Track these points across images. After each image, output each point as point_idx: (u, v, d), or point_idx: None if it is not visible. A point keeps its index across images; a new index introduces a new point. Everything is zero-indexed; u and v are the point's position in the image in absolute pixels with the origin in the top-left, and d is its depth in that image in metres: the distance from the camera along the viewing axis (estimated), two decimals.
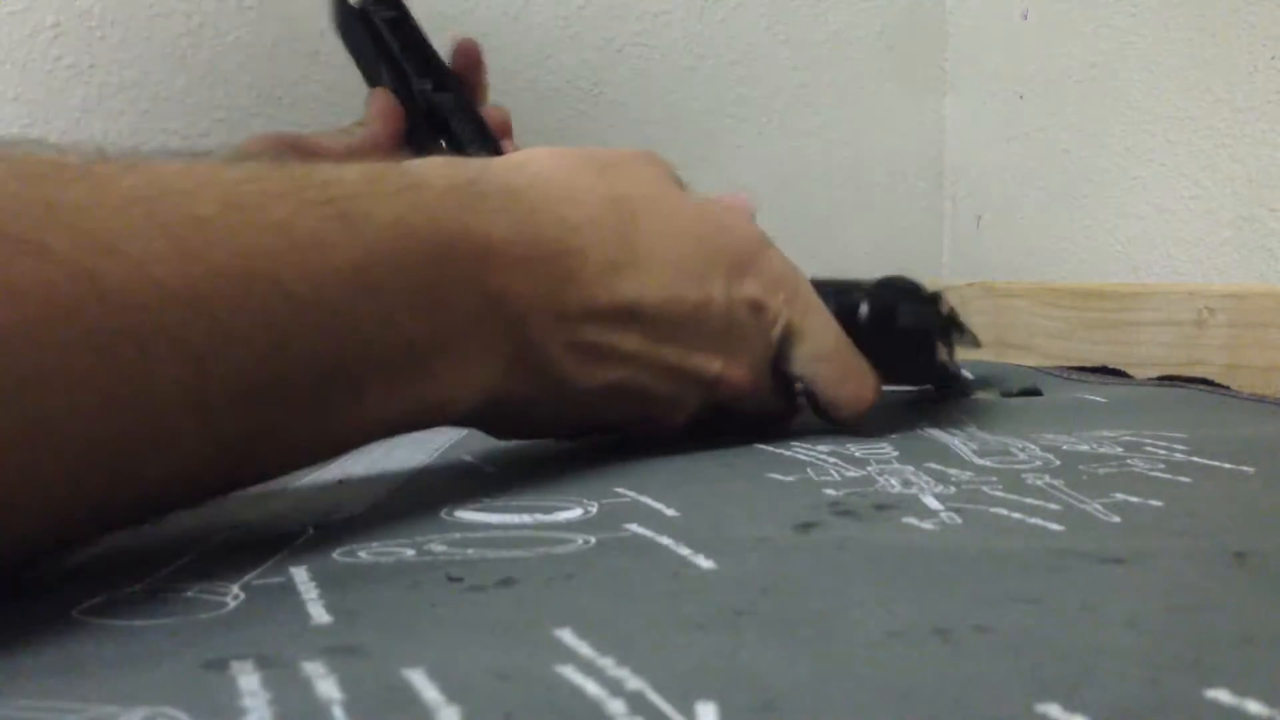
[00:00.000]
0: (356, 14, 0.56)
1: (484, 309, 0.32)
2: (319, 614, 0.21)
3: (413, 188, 0.31)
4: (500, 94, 0.81)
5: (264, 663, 0.18)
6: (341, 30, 0.58)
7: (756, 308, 0.40)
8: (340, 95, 0.75)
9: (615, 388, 0.37)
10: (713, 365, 0.39)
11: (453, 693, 0.17)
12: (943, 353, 0.44)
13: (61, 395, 0.21)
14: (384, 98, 0.54)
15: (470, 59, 0.58)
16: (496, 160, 0.39)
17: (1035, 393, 0.57)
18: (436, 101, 0.54)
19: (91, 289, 0.22)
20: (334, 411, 0.28)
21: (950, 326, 0.46)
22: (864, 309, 0.43)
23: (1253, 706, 0.16)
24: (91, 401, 0.22)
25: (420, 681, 0.17)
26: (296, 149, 0.52)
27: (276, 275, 0.26)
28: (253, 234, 0.26)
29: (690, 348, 0.38)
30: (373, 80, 0.56)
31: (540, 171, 0.37)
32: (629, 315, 0.37)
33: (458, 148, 0.52)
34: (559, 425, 0.40)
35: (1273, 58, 0.70)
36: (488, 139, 0.53)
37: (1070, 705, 0.16)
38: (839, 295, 0.44)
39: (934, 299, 0.44)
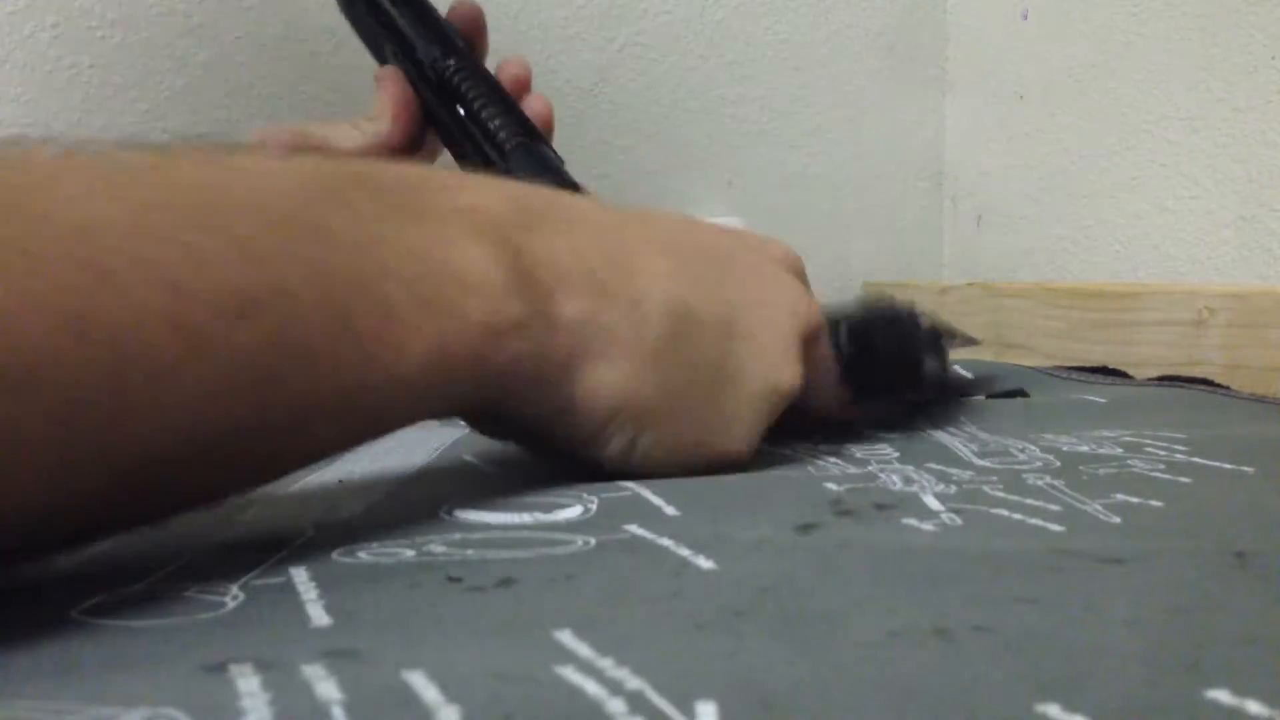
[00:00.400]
0: None
1: (466, 215, 0.31)
2: (318, 615, 0.21)
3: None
4: None
5: (263, 665, 0.18)
6: (345, 8, 0.56)
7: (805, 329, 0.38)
8: (340, 95, 0.75)
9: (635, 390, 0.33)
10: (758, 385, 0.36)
11: (452, 693, 0.17)
12: (931, 368, 0.44)
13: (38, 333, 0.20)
14: (393, 84, 0.52)
15: (472, 23, 0.55)
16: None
17: (1020, 394, 0.57)
18: (447, 70, 0.51)
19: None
20: (350, 335, 0.26)
21: (934, 342, 0.46)
22: (843, 338, 0.42)
23: (1253, 707, 0.16)
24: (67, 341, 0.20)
25: (420, 682, 0.17)
26: (304, 143, 0.50)
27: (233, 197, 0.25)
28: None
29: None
30: (382, 60, 0.54)
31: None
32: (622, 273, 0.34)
33: (474, 117, 0.50)
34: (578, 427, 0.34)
35: (1273, 58, 0.70)
36: (505, 103, 0.51)
37: (1070, 705, 0.16)
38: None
39: (912, 319, 0.43)
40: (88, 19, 0.69)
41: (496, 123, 0.49)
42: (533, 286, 0.31)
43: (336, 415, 0.27)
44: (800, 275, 0.41)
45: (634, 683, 0.17)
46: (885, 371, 0.43)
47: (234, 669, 0.18)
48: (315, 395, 0.26)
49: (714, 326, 0.35)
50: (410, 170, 0.32)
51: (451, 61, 0.51)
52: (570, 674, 0.18)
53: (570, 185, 0.48)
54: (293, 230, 0.26)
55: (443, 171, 0.33)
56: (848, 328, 0.42)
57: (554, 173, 0.49)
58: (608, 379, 0.33)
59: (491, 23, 0.81)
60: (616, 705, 0.16)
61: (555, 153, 0.51)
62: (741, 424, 0.36)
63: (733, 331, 0.35)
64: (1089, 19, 0.84)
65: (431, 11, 0.54)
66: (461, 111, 0.51)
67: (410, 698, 0.17)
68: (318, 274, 0.26)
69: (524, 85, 0.55)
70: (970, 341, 0.57)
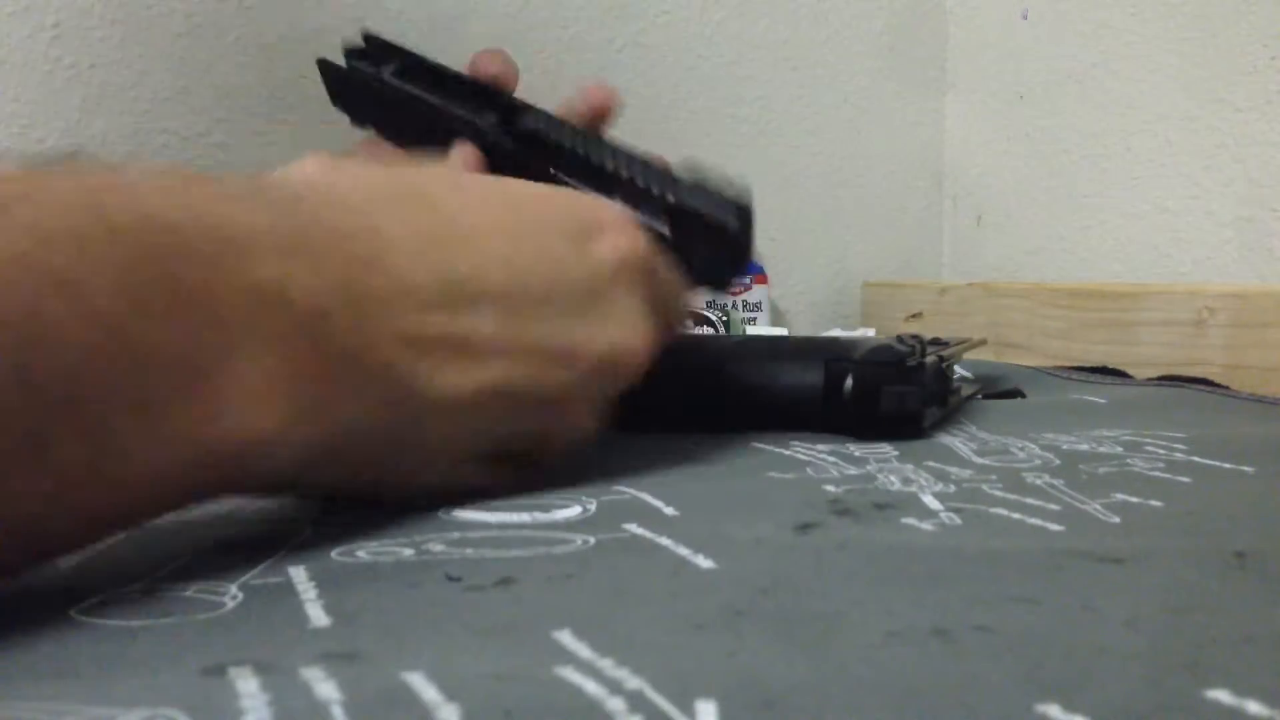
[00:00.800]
0: (359, 78, 0.47)
1: (256, 307, 0.24)
2: (317, 615, 0.21)
3: (112, 172, 0.24)
4: None
5: (262, 666, 0.18)
6: (345, 103, 0.48)
7: (622, 266, 0.34)
8: None
9: (491, 391, 0.30)
10: (600, 339, 0.33)
11: (452, 692, 0.17)
12: (930, 419, 0.44)
13: None
14: (473, 162, 0.42)
15: (504, 76, 0.47)
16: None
17: (1018, 394, 0.57)
18: (524, 130, 0.44)
19: None
20: (31, 471, 0.21)
21: (937, 395, 0.46)
22: (848, 388, 0.43)
23: (1253, 706, 0.16)
24: None
25: (419, 682, 0.17)
26: None
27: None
28: None
29: (566, 322, 0.32)
30: (400, 136, 0.44)
31: (311, 169, 0.32)
32: (473, 296, 0.30)
33: (570, 165, 0.42)
34: (439, 461, 0.31)
35: (1273, 58, 0.70)
36: (594, 139, 0.43)
37: (1070, 705, 0.16)
38: (820, 362, 0.43)
39: (918, 372, 0.43)
40: (88, 19, 0.69)
41: (627, 173, 0.41)
42: (332, 382, 0.26)
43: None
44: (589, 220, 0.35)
45: (634, 682, 0.17)
46: (889, 426, 0.42)
47: (233, 670, 0.18)
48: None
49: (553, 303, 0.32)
50: (200, 221, 0.25)
51: (525, 119, 0.44)
52: (570, 673, 0.18)
53: (734, 204, 0.40)
54: None
55: (267, 210, 0.26)
56: (853, 382, 0.42)
57: (719, 205, 0.40)
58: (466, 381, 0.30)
59: (492, 23, 0.81)
60: (616, 704, 0.16)
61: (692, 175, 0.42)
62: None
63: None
64: (1089, 19, 0.84)
65: (451, 72, 0.46)
66: (555, 173, 0.42)
67: (410, 697, 0.17)
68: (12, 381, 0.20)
69: (604, 115, 0.47)
70: (978, 343, 0.57)
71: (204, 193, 0.25)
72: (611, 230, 0.35)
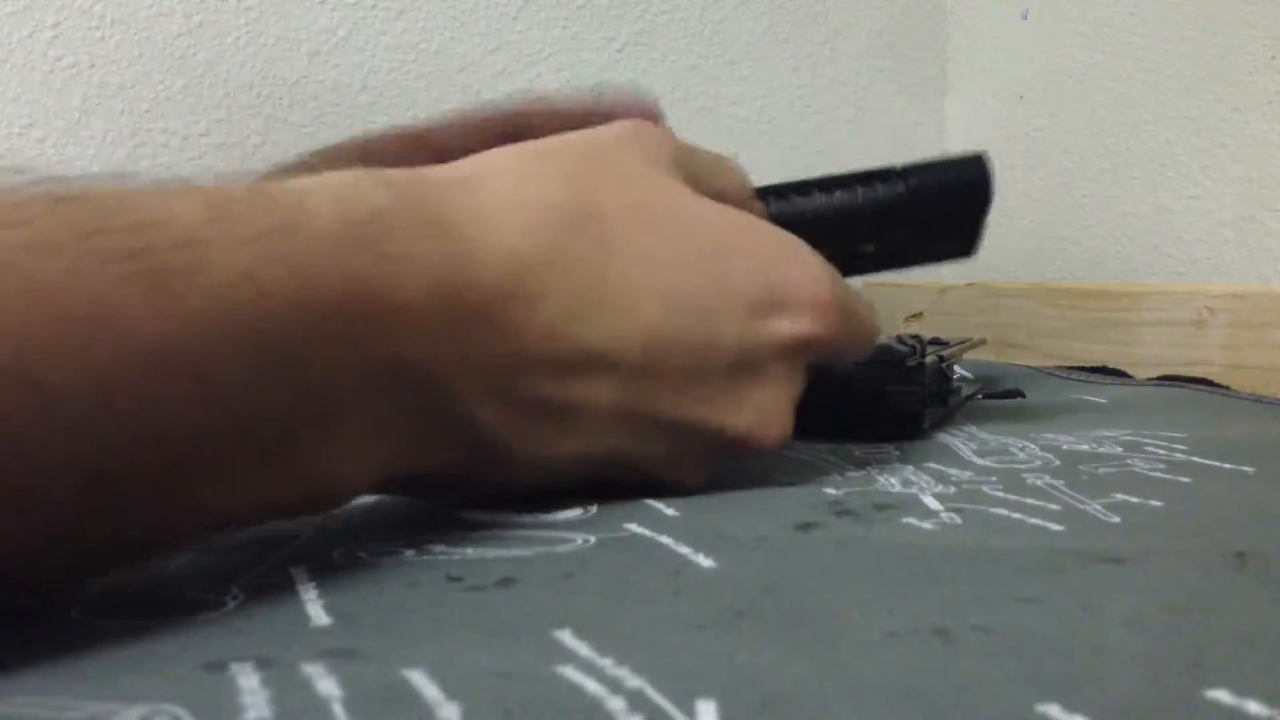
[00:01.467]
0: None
1: (379, 379, 0.24)
2: (318, 615, 0.21)
3: (280, 231, 0.23)
4: (501, 94, 0.81)
5: (263, 664, 0.18)
6: None
7: (792, 350, 0.31)
8: (340, 95, 0.75)
9: (590, 457, 0.29)
10: (736, 421, 0.30)
11: (452, 691, 0.17)
12: (931, 418, 0.44)
13: None
14: None
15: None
16: (429, 174, 0.29)
17: (1018, 394, 0.57)
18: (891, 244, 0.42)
19: None
20: (141, 515, 0.21)
21: (938, 395, 0.46)
22: (848, 387, 0.42)
23: (1253, 707, 0.16)
24: None
25: (420, 680, 0.17)
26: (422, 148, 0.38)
27: (23, 367, 0.19)
28: None
29: (701, 400, 0.30)
30: None
31: (490, 187, 0.29)
32: (601, 368, 0.28)
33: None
34: (517, 489, 0.31)
35: (1273, 58, 0.70)
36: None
37: (1070, 705, 0.16)
38: (825, 364, 0.43)
39: (918, 372, 0.43)
40: (88, 19, 0.69)
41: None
42: (431, 443, 0.27)
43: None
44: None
45: (634, 681, 0.17)
46: (889, 428, 0.42)
47: (234, 667, 0.18)
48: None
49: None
50: (361, 297, 0.24)
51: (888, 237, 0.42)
52: (570, 672, 0.18)
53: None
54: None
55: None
56: (855, 383, 0.42)
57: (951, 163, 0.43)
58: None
59: (492, 22, 0.81)
60: (617, 703, 0.16)
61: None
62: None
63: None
64: (1089, 19, 0.84)
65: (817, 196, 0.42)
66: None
67: (410, 695, 0.17)
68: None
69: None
70: (979, 342, 0.57)
71: (378, 255, 0.24)
72: (798, 309, 0.31)
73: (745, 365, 0.30)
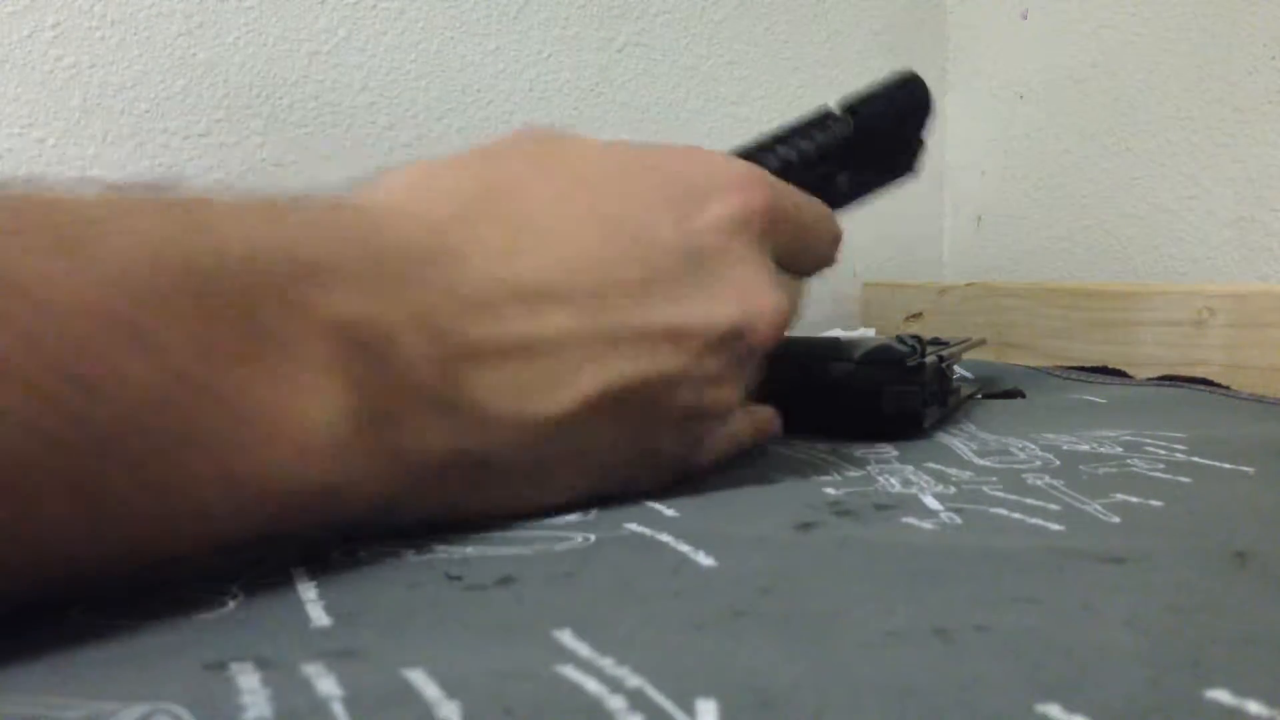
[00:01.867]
0: None
1: (330, 345, 0.23)
2: (318, 615, 0.21)
3: (188, 205, 0.23)
4: (501, 94, 0.81)
5: (263, 664, 0.18)
6: None
7: (735, 226, 0.32)
8: (340, 95, 0.75)
9: (590, 401, 0.28)
10: (720, 310, 0.30)
11: (452, 689, 0.17)
12: (931, 418, 0.44)
13: None
14: None
15: None
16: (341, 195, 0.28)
17: (1018, 394, 0.57)
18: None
19: None
20: (74, 507, 0.20)
21: (937, 395, 0.46)
22: (848, 386, 0.43)
23: (1253, 707, 0.16)
24: None
25: (420, 679, 0.17)
26: None
27: None
28: None
29: (672, 303, 0.29)
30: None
31: (395, 183, 0.29)
32: (556, 297, 0.28)
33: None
34: (568, 478, 0.29)
35: (1273, 58, 0.70)
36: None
37: (1070, 705, 0.16)
38: (821, 362, 0.43)
39: (918, 372, 0.43)
40: (88, 19, 0.69)
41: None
42: (407, 421, 0.25)
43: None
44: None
45: (634, 680, 0.17)
46: (888, 427, 0.43)
47: (234, 667, 0.18)
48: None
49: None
50: (277, 253, 0.23)
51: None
52: (570, 671, 0.18)
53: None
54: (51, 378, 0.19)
55: (328, 232, 0.25)
56: (854, 381, 0.43)
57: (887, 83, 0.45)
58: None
59: (492, 22, 0.81)
60: (617, 702, 0.16)
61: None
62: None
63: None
64: (1089, 19, 0.84)
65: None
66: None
67: (410, 694, 0.17)
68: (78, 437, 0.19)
69: None
70: (979, 342, 0.57)
71: (285, 222, 0.25)
72: (726, 190, 0.32)
73: (697, 255, 0.30)
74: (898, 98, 0.45)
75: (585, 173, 0.31)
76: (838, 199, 0.43)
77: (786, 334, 0.33)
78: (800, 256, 0.35)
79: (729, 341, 0.30)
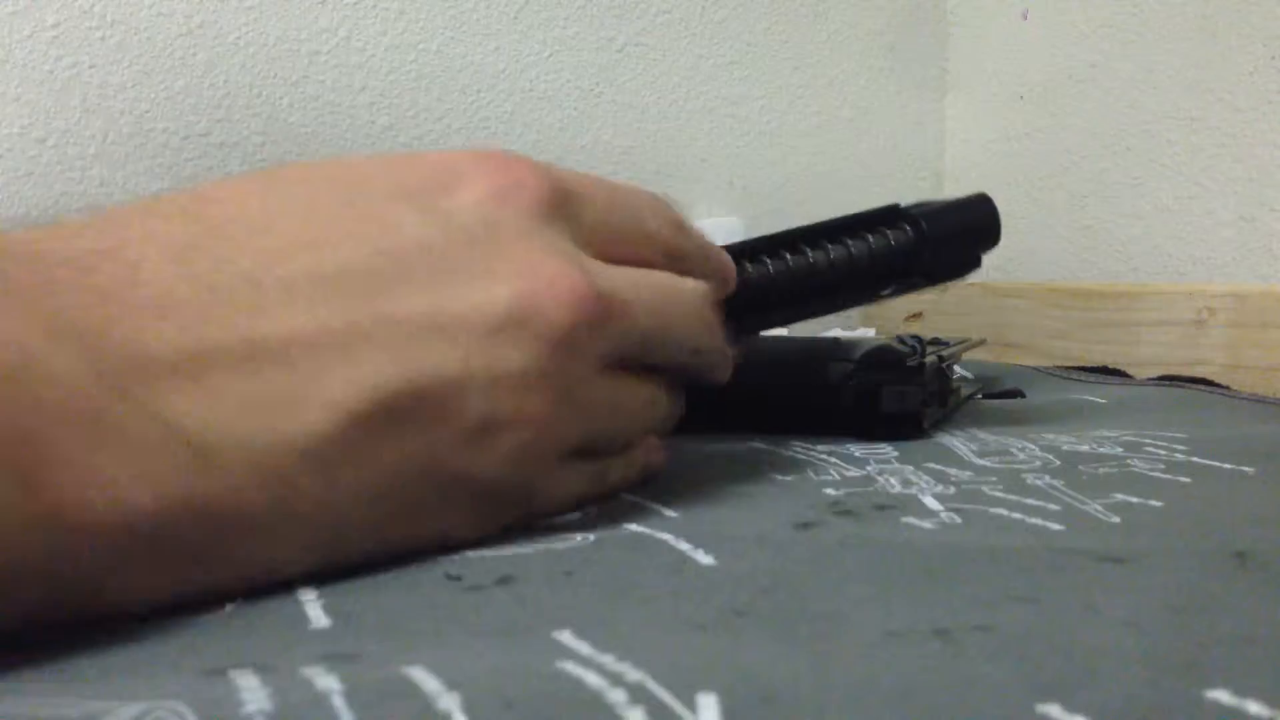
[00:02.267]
0: None
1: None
2: (317, 616, 0.21)
3: None
4: (502, 94, 0.81)
5: (263, 664, 0.18)
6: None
7: (495, 203, 0.26)
8: (340, 95, 0.75)
9: (352, 413, 0.22)
10: (495, 293, 0.25)
11: (453, 683, 0.17)
12: (931, 418, 0.44)
13: None
14: None
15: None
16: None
17: (1018, 394, 0.57)
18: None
19: None
20: None
21: (937, 395, 0.46)
22: (848, 386, 0.43)
23: (1253, 707, 0.16)
24: None
25: (420, 675, 0.17)
26: None
27: None
28: None
29: (429, 292, 0.24)
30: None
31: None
32: (272, 288, 0.22)
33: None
34: (408, 519, 0.25)
35: (1273, 58, 0.70)
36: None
37: (1070, 705, 0.16)
38: (821, 362, 0.43)
39: (918, 372, 0.43)
40: (88, 19, 0.69)
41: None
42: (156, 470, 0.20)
43: None
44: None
45: (634, 675, 0.17)
46: (888, 428, 0.43)
47: (233, 668, 0.18)
48: None
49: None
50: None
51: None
52: (571, 667, 0.18)
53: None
54: None
55: None
56: (854, 383, 0.42)
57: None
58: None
59: (492, 22, 0.81)
60: (617, 696, 0.16)
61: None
62: None
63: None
64: (1089, 19, 0.84)
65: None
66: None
67: (410, 688, 0.17)
68: None
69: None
70: (979, 342, 0.57)
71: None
72: (475, 174, 0.27)
73: (458, 237, 0.25)
74: (970, 219, 0.44)
75: (307, 175, 0.26)
76: (866, 298, 0.43)
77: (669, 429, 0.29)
78: (598, 233, 0.29)
79: (513, 328, 0.25)
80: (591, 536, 0.27)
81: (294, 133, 0.74)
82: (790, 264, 0.40)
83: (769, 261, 0.39)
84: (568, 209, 0.28)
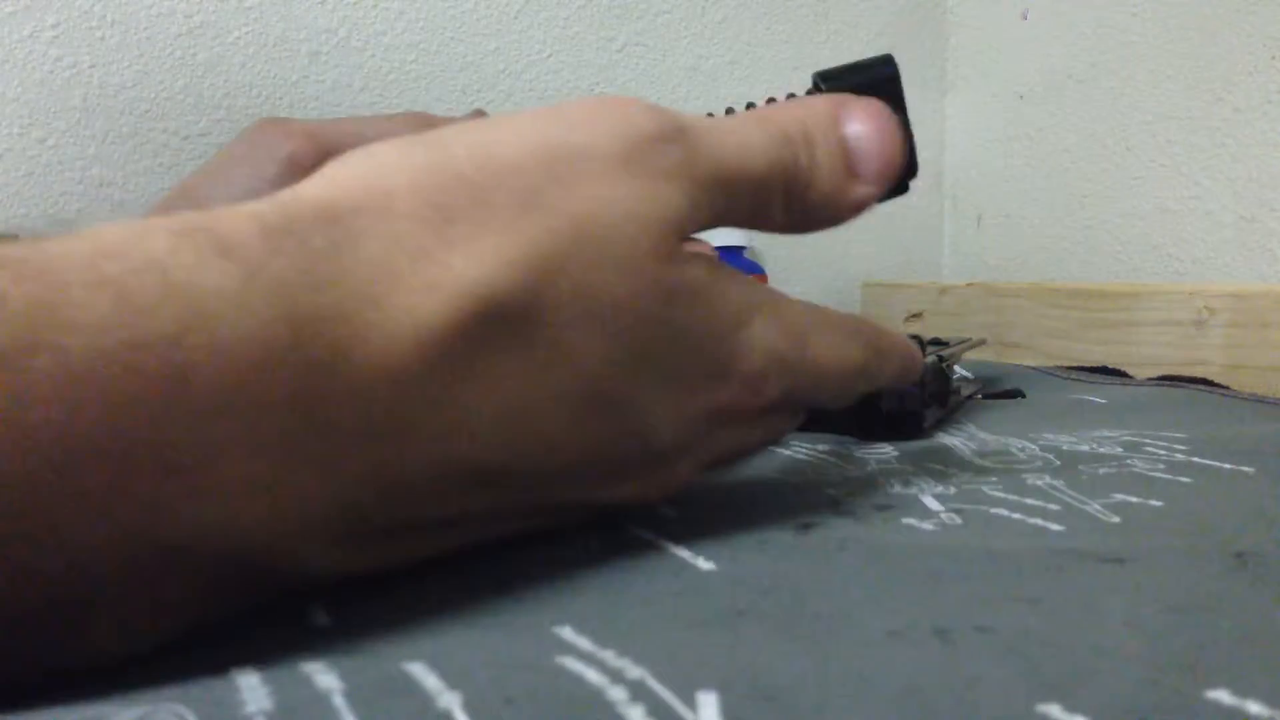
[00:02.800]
0: None
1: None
2: (317, 615, 0.21)
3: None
4: (502, 94, 0.81)
5: (263, 663, 0.18)
6: None
7: (723, 419, 0.26)
8: (340, 94, 0.75)
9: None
10: (619, 493, 0.25)
11: (453, 680, 0.17)
12: (931, 418, 0.45)
13: None
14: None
15: None
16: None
17: (1018, 394, 0.57)
18: None
19: None
20: None
21: (937, 395, 0.46)
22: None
23: (1253, 707, 0.16)
24: None
25: (419, 671, 0.17)
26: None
27: None
28: None
29: (594, 485, 0.24)
30: None
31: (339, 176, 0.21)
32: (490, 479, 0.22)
33: None
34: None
35: (1273, 58, 0.70)
36: None
37: (1070, 705, 0.16)
38: None
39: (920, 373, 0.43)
40: (88, 19, 0.69)
41: None
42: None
43: None
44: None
45: (635, 672, 0.17)
46: (889, 428, 0.43)
47: (234, 666, 0.18)
48: None
49: None
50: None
51: None
52: (571, 663, 0.18)
53: None
54: None
55: None
56: None
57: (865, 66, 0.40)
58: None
59: (491, 23, 0.81)
60: (618, 693, 0.16)
61: None
62: None
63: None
64: (1089, 19, 0.84)
65: None
66: None
67: (410, 684, 0.17)
68: None
69: None
70: (979, 342, 0.56)
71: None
72: (736, 378, 0.25)
73: (673, 449, 0.25)
74: (869, 79, 0.43)
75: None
76: None
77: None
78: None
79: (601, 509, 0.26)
80: (592, 539, 0.27)
81: None
82: None
83: None
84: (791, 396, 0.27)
